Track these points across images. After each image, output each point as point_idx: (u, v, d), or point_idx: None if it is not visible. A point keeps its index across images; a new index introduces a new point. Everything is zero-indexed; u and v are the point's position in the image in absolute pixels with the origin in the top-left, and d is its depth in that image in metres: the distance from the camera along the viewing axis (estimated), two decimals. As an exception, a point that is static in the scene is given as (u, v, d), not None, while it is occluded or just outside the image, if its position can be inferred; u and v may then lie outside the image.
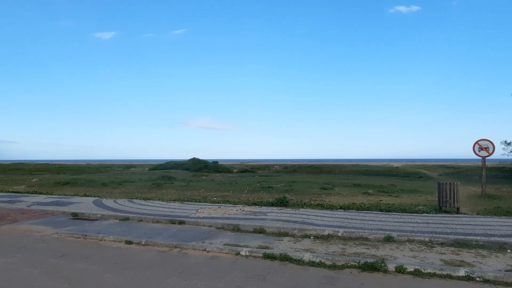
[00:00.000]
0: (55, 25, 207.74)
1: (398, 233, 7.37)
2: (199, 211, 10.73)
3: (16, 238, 7.91)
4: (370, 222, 8.74)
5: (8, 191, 17.92)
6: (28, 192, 17.32)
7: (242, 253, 6.30)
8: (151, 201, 13.53)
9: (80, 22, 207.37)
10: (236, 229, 8.40)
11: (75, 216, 10.62)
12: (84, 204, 12.67)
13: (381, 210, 10.71)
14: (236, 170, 46.57)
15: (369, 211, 10.59)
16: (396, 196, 15.90)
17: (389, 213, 10.27)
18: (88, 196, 15.48)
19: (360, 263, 5.45)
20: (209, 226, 8.80)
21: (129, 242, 7.33)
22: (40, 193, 16.81)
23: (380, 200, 14.02)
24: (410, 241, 7.02)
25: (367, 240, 7.20)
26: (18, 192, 17.37)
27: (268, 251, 6.19)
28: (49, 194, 16.56)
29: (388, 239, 7.14)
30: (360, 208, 11.18)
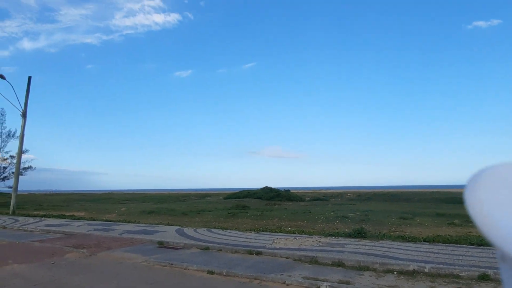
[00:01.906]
0: (141, 68, 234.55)
1: (495, 271, 6.69)
2: (275, 241, 10.83)
3: (112, 265, 8.74)
4: (460, 258, 8.06)
5: (102, 220, 19.81)
6: (119, 221, 18.97)
7: (323, 287, 6.23)
8: (228, 230, 13.98)
9: (162, 64, 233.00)
10: (314, 261, 8.32)
11: (161, 244, 11.39)
12: (168, 233, 13.53)
13: (472, 244, 9.78)
14: (308, 198, 45.97)
15: (458, 245, 9.75)
16: (489, 228, 14.35)
17: (482, 247, 9.34)
18: (170, 225, 16.49)
19: (452, 304, 5.07)
20: (286, 258, 8.84)
21: (211, 272, 7.67)
22: (129, 222, 18.32)
23: (469, 232, 12.80)
24: (510, 281, 6.32)
25: (459, 278, 6.65)
26: (110, 221, 19.13)
27: (350, 287, 6.05)
28: (137, 222, 17.97)
29: (484, 278, 6.52)
30: (447, 241, 10.34)
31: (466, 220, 16.95)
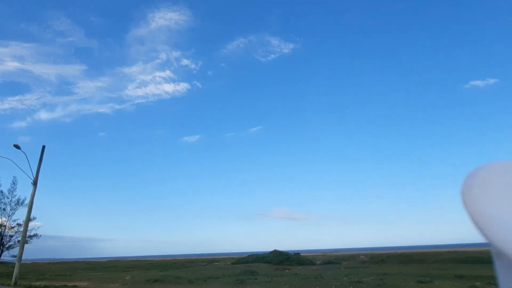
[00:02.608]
0: (150, 134, 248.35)
1: None
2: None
3: None
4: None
5: (106, 290, 19.13)
6: (124, 291, 18.30)
7: None
8: (239, 299, 13.41)
9: (171, 130, 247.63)
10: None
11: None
12: (176, 303, 13.00)
13: (497, 309, 9.27)
14: (319, 261, 44.23)
15: (482, 311, 9.25)
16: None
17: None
18: (178, 294, 15.87)
19: None
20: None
21: None
22: (134, 292, 17.67)
23: (493, 296, 12.18)
24: None
25: None
26: (115, 291, 18.46)
27: None
28: (143, 292, 17.32)
29: None
30: (470, 306, 9.83)
31: (488, 282, 16.14)
